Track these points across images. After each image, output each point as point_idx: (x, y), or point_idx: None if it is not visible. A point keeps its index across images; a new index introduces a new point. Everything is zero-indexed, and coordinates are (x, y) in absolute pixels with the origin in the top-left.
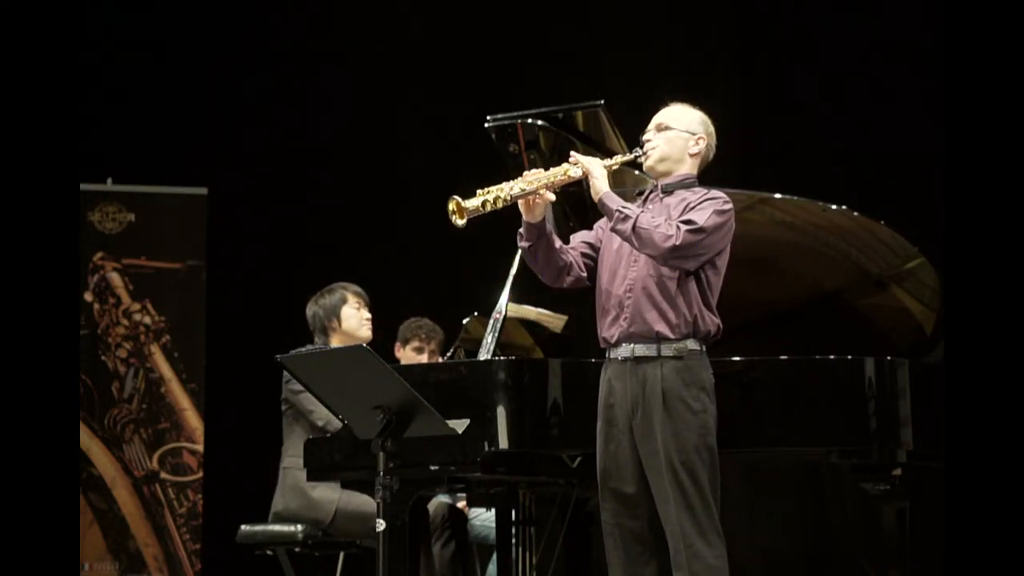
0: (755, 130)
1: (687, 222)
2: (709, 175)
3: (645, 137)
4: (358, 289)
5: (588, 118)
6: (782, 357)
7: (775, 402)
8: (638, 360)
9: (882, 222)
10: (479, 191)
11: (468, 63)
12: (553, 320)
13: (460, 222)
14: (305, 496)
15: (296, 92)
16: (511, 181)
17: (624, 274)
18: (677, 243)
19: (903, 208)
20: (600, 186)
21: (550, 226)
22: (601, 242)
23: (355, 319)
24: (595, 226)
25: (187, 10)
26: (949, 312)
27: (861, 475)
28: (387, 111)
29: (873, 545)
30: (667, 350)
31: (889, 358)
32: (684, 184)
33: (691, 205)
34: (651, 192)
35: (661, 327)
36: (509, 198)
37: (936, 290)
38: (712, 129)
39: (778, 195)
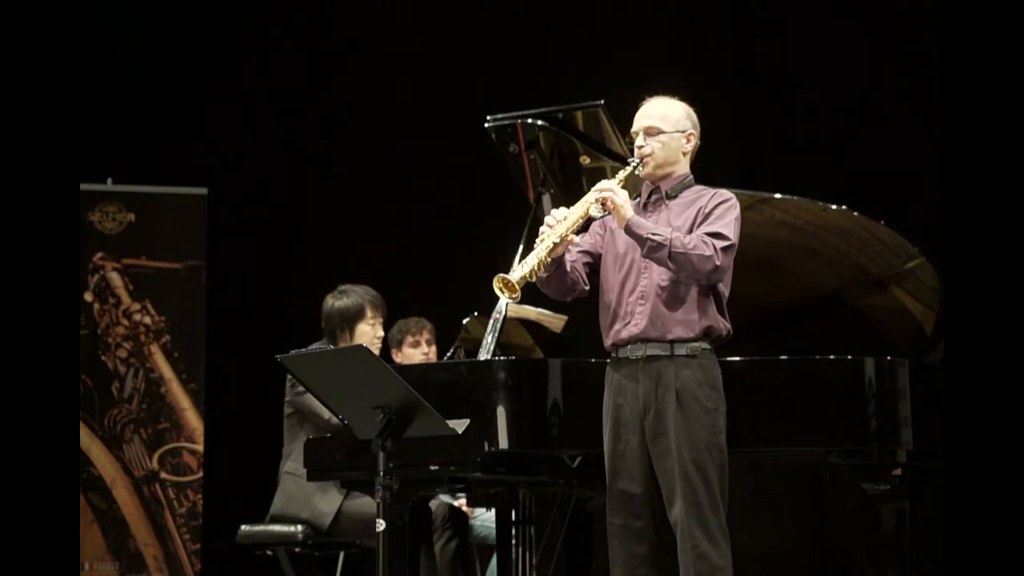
0: (755, 130)
1: (717, 236)
2: (709, 176)
3: (637, 144)
4: (377, 301)
5: (588, 118)
6: (782, 357)
7: (775, 402)
8: (650, 359)
9: (882, 222)
10: (517, 264)
11: (468, 64)
12: (553, 320)
13: (513, 296)
14: (302, 504)
15: (296, 92)
16: (540, 238)
17: (635, 283)
18: (719, 263)
19: (903, 208)
20: (625, 213)
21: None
22: (601, 248)
23: (367, 337)
24: (591, 231)
25: (187, 10)
26: (949, 312)
27: (861, 475)
28: (387, 111)
29: (873, 545)
30: (680, 349)
31: (889, 358)
32: (685, 184)
33: (706, 211)
34: (652, 195)
35: (674, 334)
36: (548, 260)
37: (936, 290)
38: (696, 119)
39: (778, 195)
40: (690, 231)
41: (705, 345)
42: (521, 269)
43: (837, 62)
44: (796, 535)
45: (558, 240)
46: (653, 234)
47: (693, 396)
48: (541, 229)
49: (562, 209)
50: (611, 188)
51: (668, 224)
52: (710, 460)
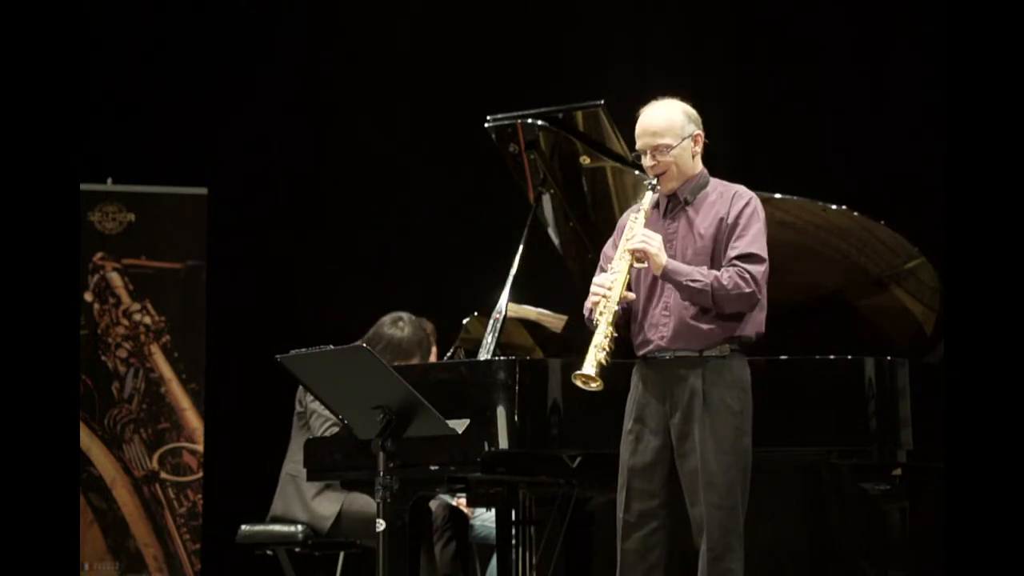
0: (755, 130)
1: (749, 258)
2: (711, 175)
3: (647, 164)
4: (427, 347)
5: (588, 118)
6: (782, 357)
7: (775, 402)
8: (678, 359)
9: (882, 222)
10: (588, 358)
11: (468, 63)
12: (553, 320)
13: (597, 386)
14: (301, 509)
15: (296, 92)
16: (599, 311)
17: (660, 294)
18: (760, 296)
19: (903, 208)
20: (660, 261)
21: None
22: None
23: None
24: (613, 242)
25: (187, 10)
26: (949, 312)
27: (861, 475)
28: (387, 111)
29: (873, 545)
30: (709, 351)
31: (889, 358)
32: (701, 184)
33: (729, 223)
34: (669, 203)
35: (702, 344)
36: (610, 334)
37: (936, 290)
38: (696, 114)
39: (778, 195)
40: (714, 239)
41: (734, 346)
42: (592, 357)
43: (837, 61)
44: (796, 535)
45: (615, 307)
46: (692, 281)
47: (720, 398)
48: (592, 298)
49: (604, 275)
50: (642, 239)
51: (692, 234)
52: (734, 463)
